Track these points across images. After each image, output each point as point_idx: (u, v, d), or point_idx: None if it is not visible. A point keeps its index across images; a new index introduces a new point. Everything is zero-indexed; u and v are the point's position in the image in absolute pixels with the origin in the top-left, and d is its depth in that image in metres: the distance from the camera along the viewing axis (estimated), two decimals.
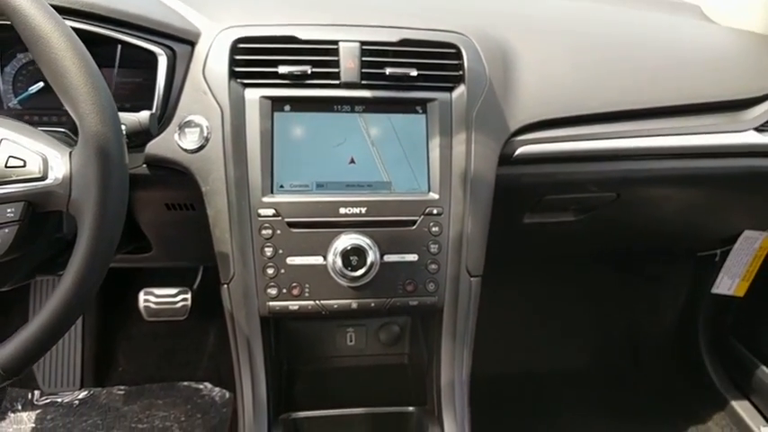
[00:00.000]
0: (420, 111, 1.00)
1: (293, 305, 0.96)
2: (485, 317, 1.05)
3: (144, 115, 0.87)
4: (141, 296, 1.63)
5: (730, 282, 1.57)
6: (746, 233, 1.43)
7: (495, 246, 1.03)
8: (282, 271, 0.95)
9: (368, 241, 0.95)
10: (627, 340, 2.07)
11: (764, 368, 1.72)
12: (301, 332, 1.35)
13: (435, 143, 0.99)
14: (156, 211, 1.12)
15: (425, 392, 1.10)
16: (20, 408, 1.80)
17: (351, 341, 1.36)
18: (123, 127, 0.78)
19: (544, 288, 2.06)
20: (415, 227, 0.97)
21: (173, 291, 1.68)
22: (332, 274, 0.96)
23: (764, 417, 1.74)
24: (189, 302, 1.68)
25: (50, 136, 0.75)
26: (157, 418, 1.76)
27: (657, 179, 1.17)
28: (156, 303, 1.69)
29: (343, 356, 1.36)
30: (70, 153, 0.72)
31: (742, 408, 1.78)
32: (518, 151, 1.05)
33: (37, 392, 1.84)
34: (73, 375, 1.88)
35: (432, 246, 0.98)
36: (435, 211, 0.97)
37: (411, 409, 1.08)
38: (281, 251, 0.95)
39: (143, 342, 1.99)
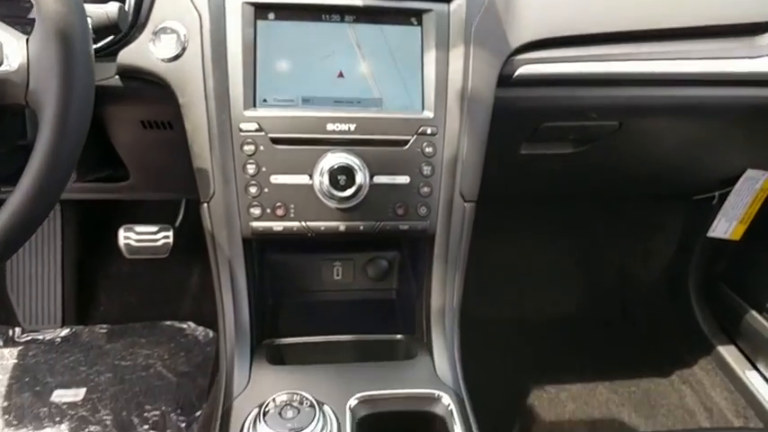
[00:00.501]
0: (415, 22, 0.93)
1: (277, 226, 0.91)
2: (472, 260, 1.01)
3: (112, 8, 0.80)
4: (121, 233, 1.58)
5: (727, 225, 1.53)
6: (749, 172, 1.39)
7: (488, 180, 0.98)
8: (266, 190, 0.90)
9: (357, 161, 0.89)
10: (616, 286, 2.06)
11: (754, 313, 1.71)
12: (286, 265, 1.31)
13: (431, 58, 0.92)
14: (132, 131, 1.05)
15: (414, 323, 1.07)
16: (1, 344, 1.76)
17: (338, 275, 1.32)
18: (89, 20, 0.71)
19: (533, 232, 2.02)
20: (407, 147, 0.91)
21: (154, 228, 1.63)
22: (318, 194, 0.90)
23: (750, 361, 1.74)
24: (171, 240, 1.63)
25: (5, 23, 0.67)
26: (140, 356, 1.73)
27: (663, 108, 1.11)
28: (137, 241, 1.64)
29: (330, 291, 1.32)
30: (27, 39, 0.65)
31: (729, 353, 1.78)
32: (518, 71, 0.99)
33: (18, 329, 1.80)
34: (54, 313, 1.84)
35: (424, 167, 0.92)
36: (429, 131, 0.92)
37: (399, 336, 1.05)
38: (264, 169, 0.89)
39: (124, 281, 1.95)
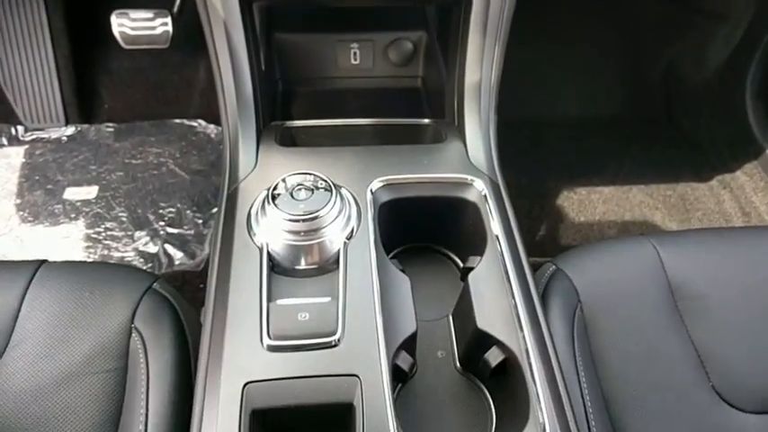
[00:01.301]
0: None
1: None
2: (514, 34, 0.83)
3: None
4: (114, 20, 1.39)
5: None
6: None
7: None
8: None
9: None
10: (662, 84, 1.86)
11: None
12: (297, 47, 1.14)
13: None
14: None
15: (443, 108, 0.93)
16: (5, 143, 1.68)
17: (355, 60, 1.16)
18: None
19: (573, 22, 1.78)
20: None
21: (149, 14, 1.44)
22: None
23: None
24: (170, 27, 1.45)
25: None
26: (151, 155, 1.65)
27: None
28: (133, 28, 1.45)
29: (347, 77, 1.17)
30: None
31: None
32: None
33: (21, 128, 1.71)
34: (55, 111, 1.73)
35: None
36: None
37: (427, 120, 0.92)
38: None
39: (127, 77, 1.80)
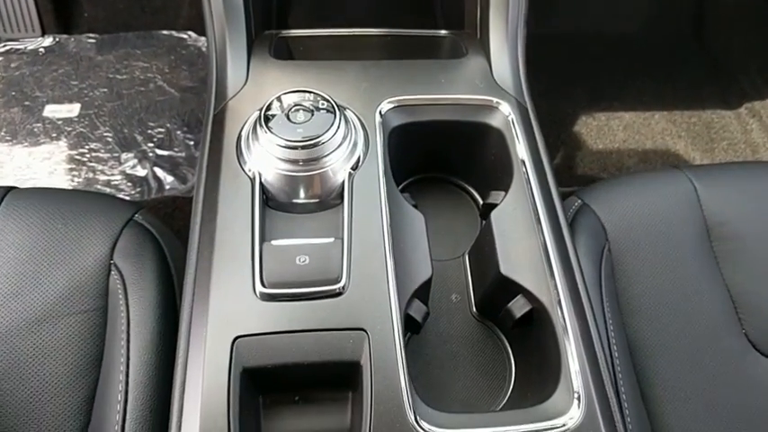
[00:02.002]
0: None
1: None
2: None
3: None
4: None
5: None
6: None
7: None
8: None
9: None
10: (692, 3, 1.70)
11: None
12: None
13: None
14: None
15: (463, 17, 0.81)
16: None
17: None
18: None
19: None
20: None
21: None
22: None
23: None
24: None
25: None
26: (137, 69, 1.52)
27: None
28: None
29: None
30: None
31: None
32: None
33: None
34: (29, 18, 1.58)
35: None
36: None
37: (444, 32, 0.80)
38: None
39: None
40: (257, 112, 0.58)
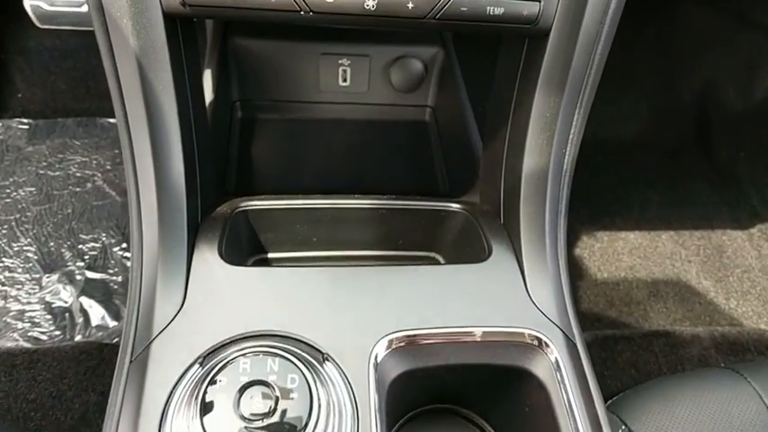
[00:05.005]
0: None
1: None
2: None
3: None
4: None
5: None
6: None
7: None
8: None
9: None
10: (696, 108, 1.59)
11: None
12: (264, 58, 0.82)
13: None
14: None
15: (460, 155, 0.62)
16: None
17: (344, 80, 0.84)
18: None
19: None
20: None
21: None
22: None
23: None
24: None
25: None
26: (74, 164, 1.30)
27: None
28: (51, 4, 1.10)
29: (332, 103, 0.85)
30: None
31: None
32: None
33: None
34: None
35: None
36: None
37: (455, 206, 0.60)
38: None
39: (49, 60, 1.43)
40: (190, 386, 0.37)
